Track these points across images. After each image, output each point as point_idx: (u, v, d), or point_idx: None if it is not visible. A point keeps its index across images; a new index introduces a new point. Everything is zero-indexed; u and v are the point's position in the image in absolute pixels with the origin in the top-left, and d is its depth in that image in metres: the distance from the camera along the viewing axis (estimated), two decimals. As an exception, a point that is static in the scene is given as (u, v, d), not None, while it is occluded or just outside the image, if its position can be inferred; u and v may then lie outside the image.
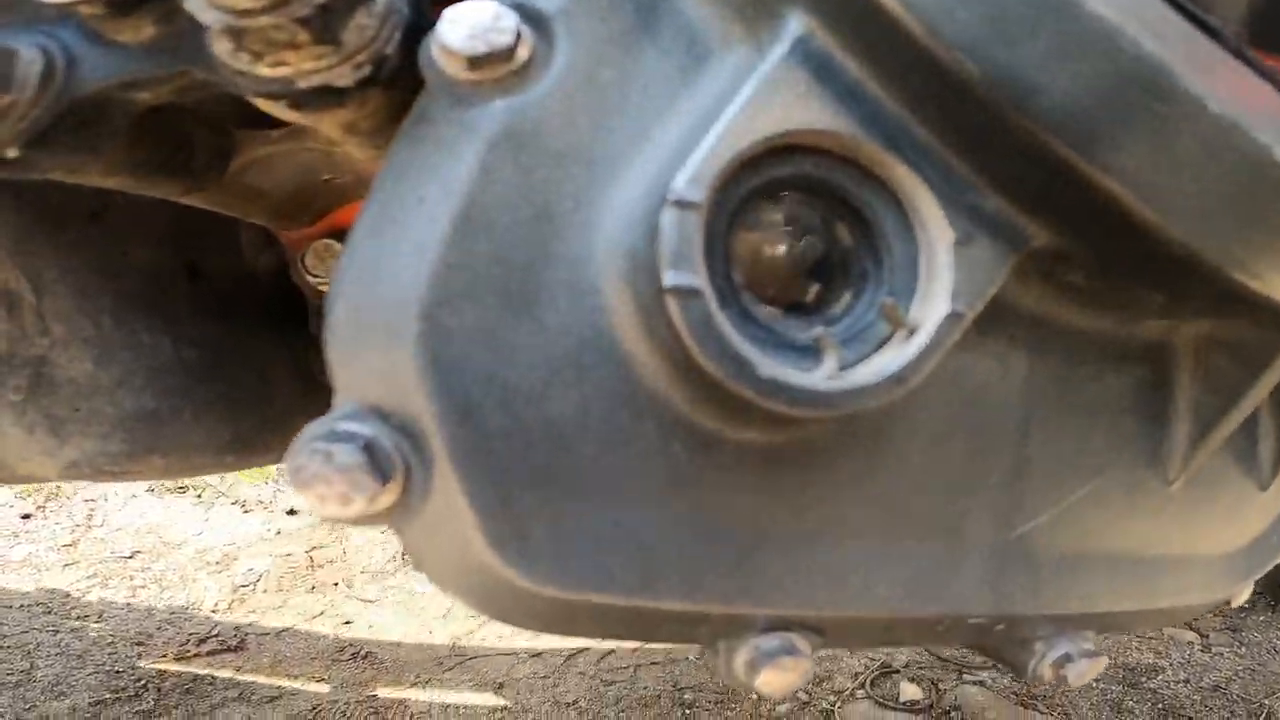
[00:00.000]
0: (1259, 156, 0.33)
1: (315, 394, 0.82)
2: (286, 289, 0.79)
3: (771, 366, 0.33)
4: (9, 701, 1.47)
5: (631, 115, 0.36)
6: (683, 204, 0.32)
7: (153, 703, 1.49)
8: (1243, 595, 0.59)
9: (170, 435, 0.67)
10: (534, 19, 0.35)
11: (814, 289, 0.38)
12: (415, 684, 1.65)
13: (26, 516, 2.22)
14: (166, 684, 1.56)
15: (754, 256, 0.36)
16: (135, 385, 0.65)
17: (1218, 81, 0.32)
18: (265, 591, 1.95)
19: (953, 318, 0.35)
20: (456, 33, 0.33)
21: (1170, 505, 0.50)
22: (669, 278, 0.32)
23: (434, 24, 0.36)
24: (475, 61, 0.33)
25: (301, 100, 0.36)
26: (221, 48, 0.34)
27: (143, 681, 1.55)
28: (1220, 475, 0.52)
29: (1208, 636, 2.01)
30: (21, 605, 1.80)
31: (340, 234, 0.74)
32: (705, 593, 0.36)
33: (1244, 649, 1.97)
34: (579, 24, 0.36)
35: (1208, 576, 0.54)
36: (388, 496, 0.31)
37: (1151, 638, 1.99)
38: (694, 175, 0.33)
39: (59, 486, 2.36)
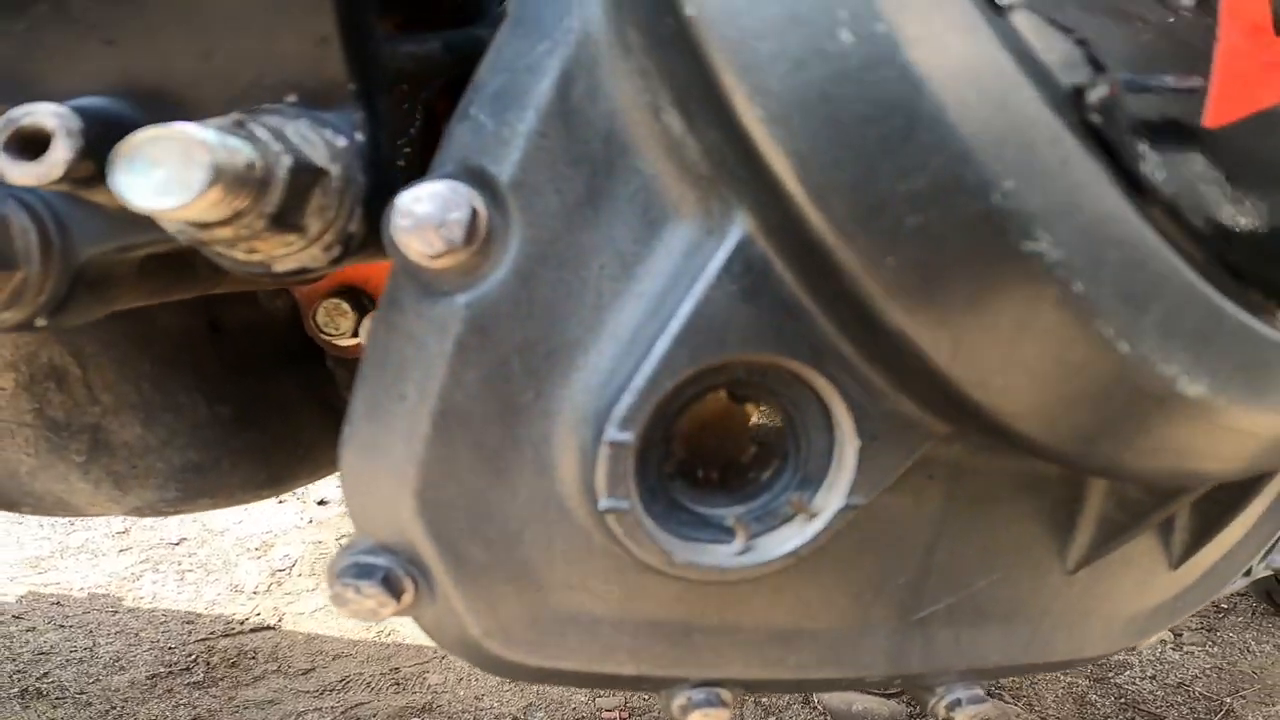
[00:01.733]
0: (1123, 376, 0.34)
1: (336, 421, 0.89)
2: (301, 331, 0.85)
3: (686, 552, 0.40)
4: (74, 676, 1.67)
5: (588, 298, 0.37)
6: (615, 444, 0.36)
7: (202, 675, 1.69)
8: (1146, 643, 0.62)
9: (214, 481, 0.76)
10: (489, 190, 0.35)
11: (752, 450, 0.42)
12: (432, 658, 1.83)
13: (84, 504, 2.43)
14: (214, 658, 1.75)
15: (694, 437, 0.41)
16: (180, 443, 0.73)
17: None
18: (300, 575, 2.14)
19: (847, 509, 0.40)
20: (413, 226, 0.34)
21: (1072, 585, 0.53)
22: (604, 503, 0.37)
23: (393, 175, 0.38)
24: (434, 255, 0.35)
25: (283, 279, 0.39)
26: (185, 239, 0.36)
27: (194, 656, 1.74)
28: (1127, 558, 0.54)
29: (1181, 635, 2.10)
30: (83, 587, 2.01)
31: (345, 290, 0.79)
32: (647, 664, 0.46)
33: (1216, 648, 2.05)
34: (532, 195, 0.36)
35: (1108, 634, 0.58)
36: (404, 604, 0.42)
37: (1124, 635, 2.09)
38: (625, 417, 0.36)
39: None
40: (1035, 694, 1.82)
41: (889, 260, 0.32)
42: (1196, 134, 0.33)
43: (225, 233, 0.34)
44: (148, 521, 2.36)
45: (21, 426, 0.72)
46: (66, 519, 2.32)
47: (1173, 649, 2.04)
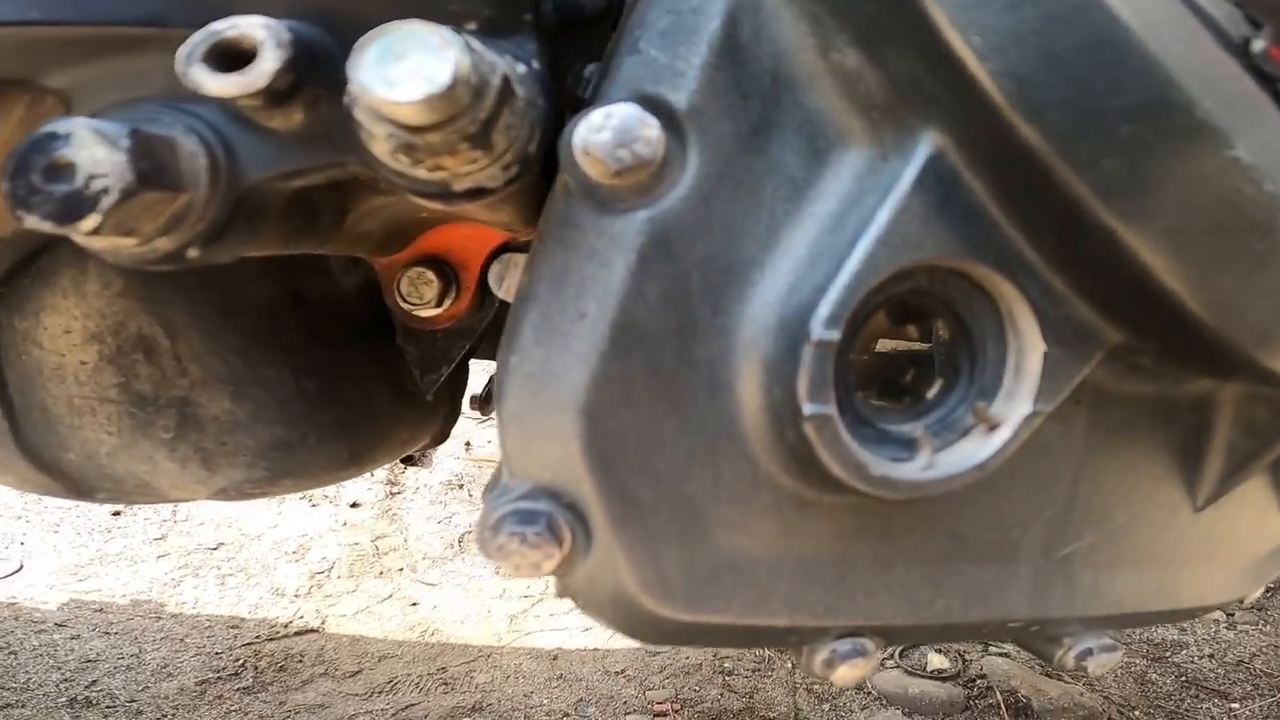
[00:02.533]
0: None
1: (409, 404, 0.88)
2: (374, 307, 0.85)
3: (880, 466, 0.39)
4: (122, 684, 1.66)
5: (763, 218, 0.39)
6: (821, 344, 0.36)
7: (251, 680, 1.67)
8: (1255, 594, 0.63)
9: (301, 459, 0.73)
10: (665, 116, 0.37)
11: (910, 373, 0.43)
12: (478, 657, 1.81)
13: (117, 513, 2.43)
14: (262, 662, 1.73)
15: (866, 357, 0.42)
16: (268, 418, 0.71)
17: None
18: (339, 578, 2.13)
19: (1033, 416, 0.40)
20: (603, 142, 0.35)
21: (1198, 525, 0.55)
22: (808, 409, 0.37)
23: (565, 104, 0.38)
24: (619, 170, 0.35)
25: (455, 199, 0.38)
26: (380, 149, 0.35)
27: (241, 661, 1.73)
28: (1247, 498, 0.56)
29: (1233, 615, 2.06)
30: (124, 594, 2.00)
31: (428, 259, 0.79)
32: (800, 612, 0.44)
33: (1270, 627, 2.02)
34: (708, 121, 0.38)
35: (1226, 581, 0.59)
36: (551, 562, 0.38)
37: (1177, 613, 2.06)
38: (831, 315, 0.37)
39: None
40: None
41: (1104, 163, 0.35)
42: None
43: (433, 139, 0.34)
44: (184, 527, 2.35)
45: (104, 403, 0.68)
46: (101, 529, 2.31)
47: (1226, 628, 2.01)
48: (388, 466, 2.95)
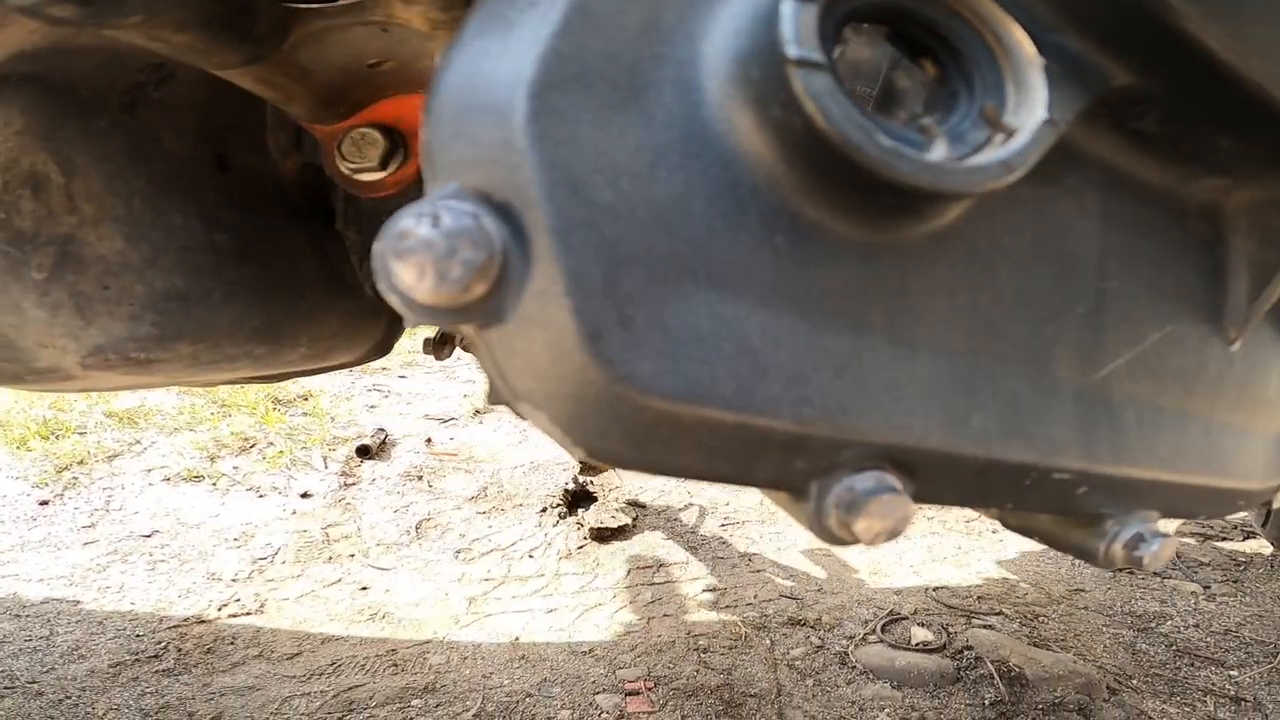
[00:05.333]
0: None
1: (343, 293, 0.82)
2: (313, 192, 0.79)
3: (890, 142, 0.32)
4: (25, 665, 1.49)
5: None
6: None
7: (173, 662, 1.51)
8: None
9: (200, 317, 0.66)
10: None
11: (911, 103, 0.37)
12: (433, 639, 1.67)
13: (44, 503, 2.25)
14: (187, 645, 1.57)
15: (852, 73, 0.36)
16: (166, 264, 0.64)
17: None
18: (284, 563, 1.97)
19: (1049, 124, 0.35)
20: None
21: (1232, 368, 0.51)
22: (792, 50, 0.31)
23: None
24: None
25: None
26: None
27: (164, 644, 1.57)
28: (1274, 349, 0.54)
29: (1209, 587, 2.01)
30: (42, 578, 1.83)
31: (377, 127, 0.73)
32: (810, 406, 0.34)
33: (1248, 598, 1.98)
34: None
35: (1263, 459, 0.56)
36: (481, 283, 0.30)
37: (1154, 588, 2.00)
38: None
39: (75, 476, 2.39)
40: (1084, 644, 1.71)
41: None
42: None
43: None
44: (117, 515, 2.18)
45: None
46: (26, 517, 2.13)
47: (1206, 600, 1.96)
48: (341, 459, 2.80)
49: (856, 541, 0.35)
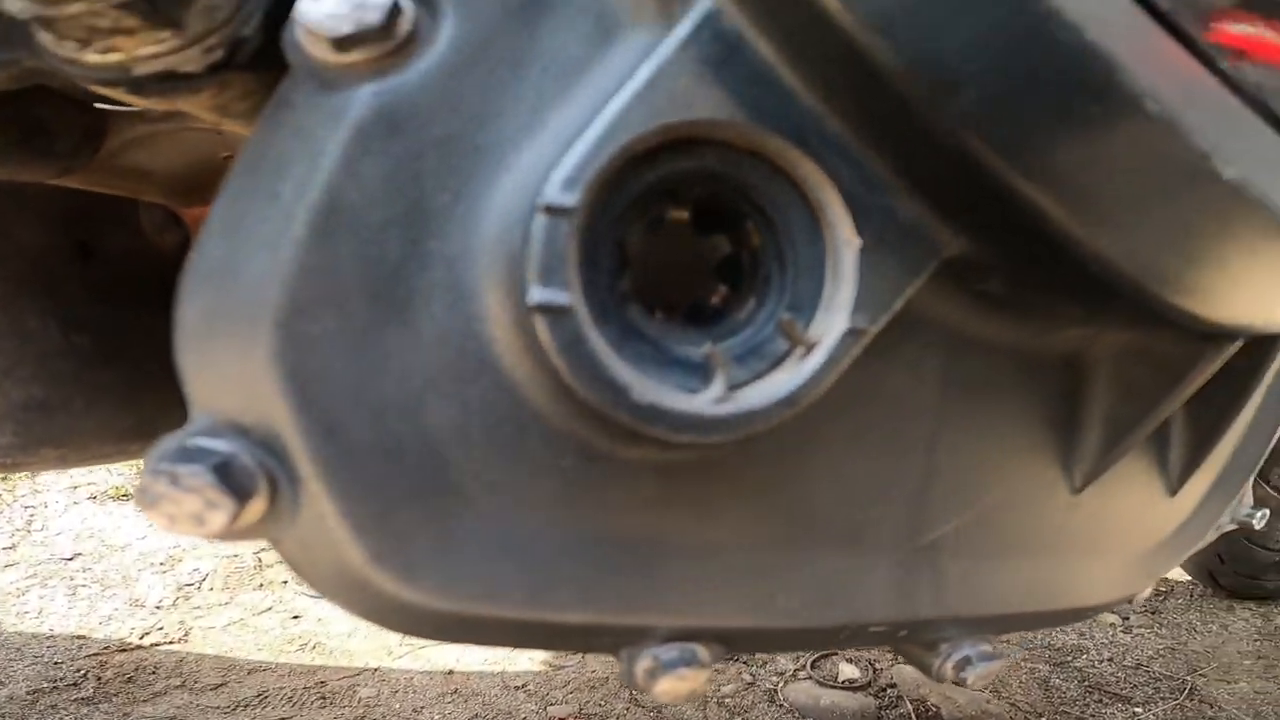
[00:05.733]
0: (1198, 165, 0.29)
1: None
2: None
3: (650, 390, 0.31)
4: (-64, 698, 1.43)
5: (527, 97, 0.32)
6: (554, 210, 0.29)
7: (93, 690, 1.47)
8: (1145, 593, 0.60)
9: (63, 425, 0.63)
10: None
11: (720, 291, 0.35)
12: (364, 672, 1.65)
13: (-40, 518, 2.17)
14: (107, 673, 1.53)
15: (648, 259, 0.33)
16: (22, 375, 0.61)
17: (1160, 78, 0.28)
18: (211, 589, 1.93)
19: (852, 335, 0.33)
20: (317, 10, 0.28)
21: (1077, 510, 0.49)
22: (535, 294, 0.29)
23: None
24: (342, 43, 0.29)
25: (142, 87, 0.32)
26: (43, 36, 0.31)
27: (83, 671, 1.52)
28: (1129, 481, 0.52)
29: (1128, 619, 2.11)
30: (-48, 603, 1.76)
31: None
32: (602, 605, 0.35)
33: (1164, 630, 2.07)
34: None
35: (1111, 577, 0.54)
36: (253, 512, 0.29)
37: (1079, 623, 2.09)
38: (570, 175, 0.29)
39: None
40: (1000, 680, 1.78)
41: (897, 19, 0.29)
42: None
43: (78, 8, 0.28)
44: (39, 536, 2.10)
45: None
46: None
47: (1123, 632, 2.05)
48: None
49: (657, 700, 0.39)
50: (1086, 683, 1.80)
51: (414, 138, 0.30)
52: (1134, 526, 0.54)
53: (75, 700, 1.43)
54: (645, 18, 0.32)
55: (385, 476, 0.31)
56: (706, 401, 0.32)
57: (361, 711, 1.52)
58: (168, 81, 0.31)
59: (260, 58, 0.32)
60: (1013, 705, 1.68)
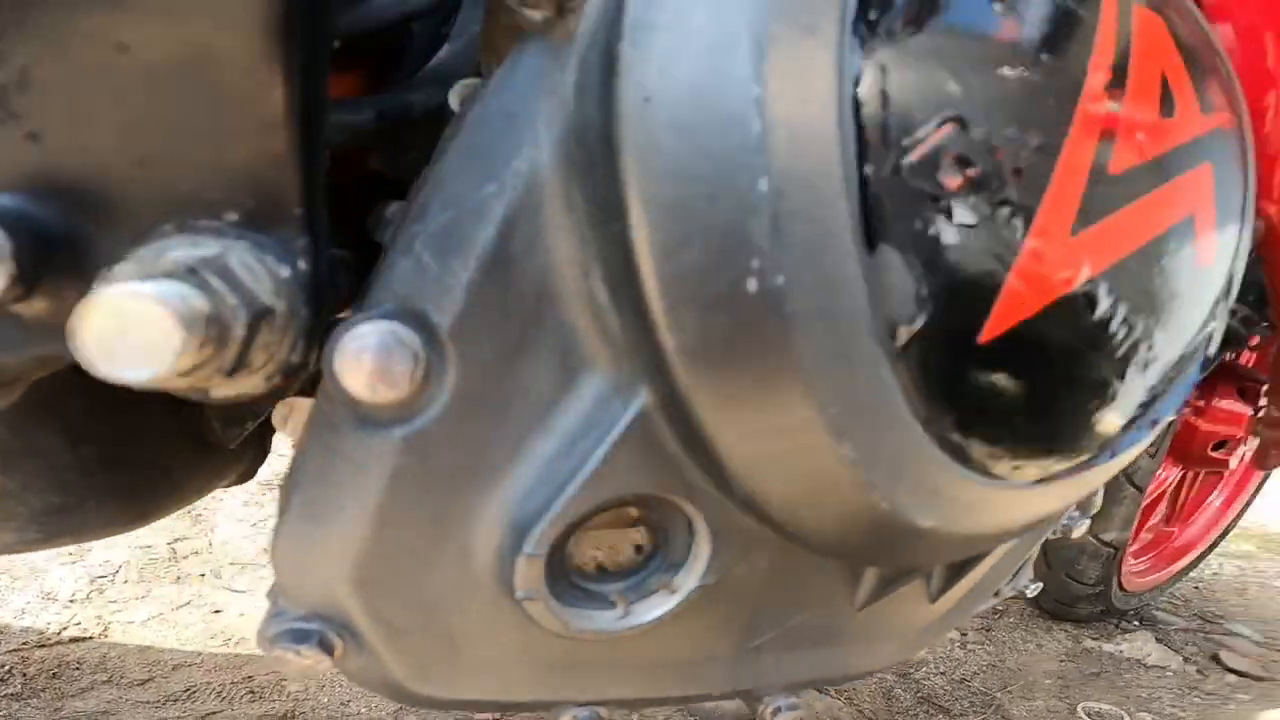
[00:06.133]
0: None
1: (207, 455, 0.87)
2: None
3: (580, 620, 0.51)
4: None
5: (509, 433, 0.43)
6: (531, 558, 0.46)
7: (20, 686, 1.50)
8: (919, 654, 0.82)
9: (78, 521, 0.73)
10: (428, 333, 0.38)
11: (631, 549, 0.54)
12: (291, 670, 1.75)
13: None
14: (30, 670, 1.56)
15: (590, 541, 0.53)
16: (40, 487, 0.69)
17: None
18: (126, 582, 1.95)
19: (699, 588, 0.52)
20: (353, 373, 0.36)
21: (861, 618, 0.69)
22: (520, 594, 0.47)
23: (333, 294, 0.40)
24: (376, 392, 0.38)
25: (219, 402, 0.40)
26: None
27: (7, 666, 1.54)
28: (899, 599, 0.70)
29: (966, 634, 2.44)
30: None
31: None
32: (542, 692, 0.57)
33: (992, 646, 2.39)
34: (470, 344, 0.39)
35: (889, 650, 0.76)
36: (335, 658, 0.50)
37: (921, 640, 2.42)
38: (539, 540, 0.45)
39: None
40: (854, 689, 2.08)
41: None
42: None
43: (180, 384, 0.33)
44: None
45: None
46: None
47: (959, 647, 2.37)
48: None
49: None
50: (920, 694, 2.13)
51: (433, 470, 0.43)
52: (904, 622, 0.76)
53: (6, 696, 1.46)
54: (599, 366, 0.42)
55: (417, 641, 0.52)
56: (612, 620, 0.53)
57: (291, 705, 1.62)
58: (237, 398, 0.37)
59: (306, 370, 0.39)
60: (859, 712, 1.98)
